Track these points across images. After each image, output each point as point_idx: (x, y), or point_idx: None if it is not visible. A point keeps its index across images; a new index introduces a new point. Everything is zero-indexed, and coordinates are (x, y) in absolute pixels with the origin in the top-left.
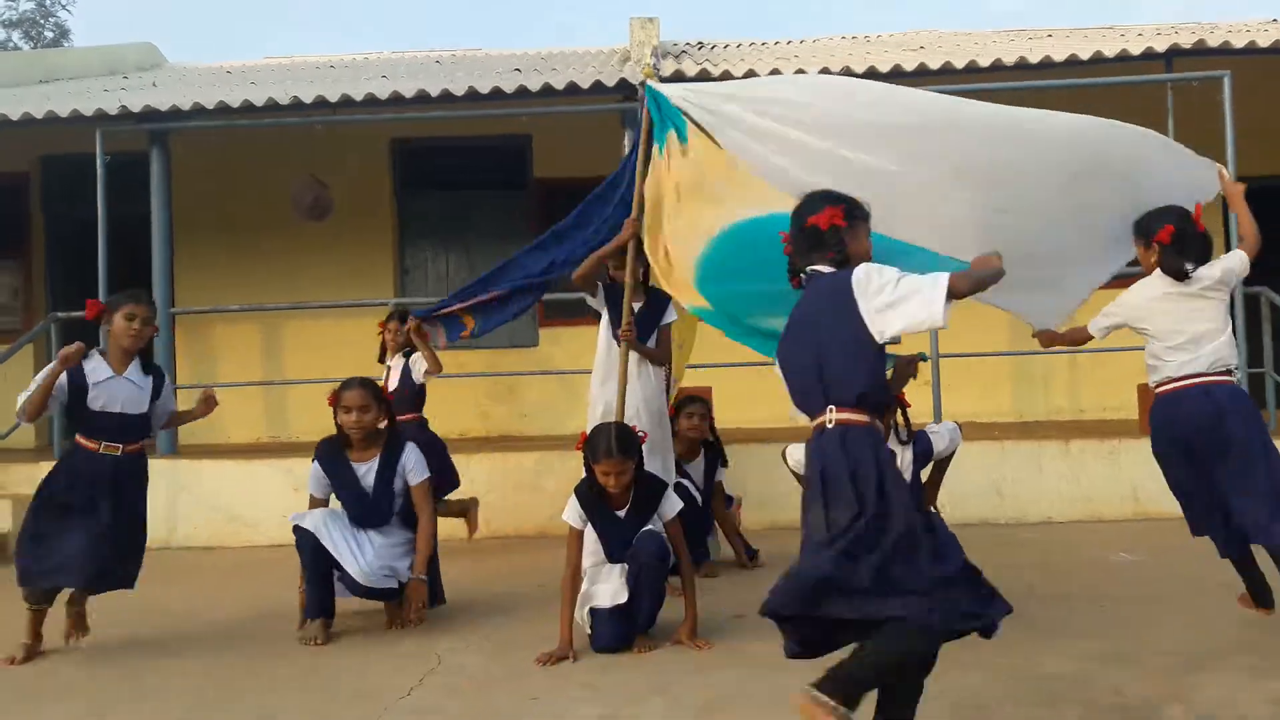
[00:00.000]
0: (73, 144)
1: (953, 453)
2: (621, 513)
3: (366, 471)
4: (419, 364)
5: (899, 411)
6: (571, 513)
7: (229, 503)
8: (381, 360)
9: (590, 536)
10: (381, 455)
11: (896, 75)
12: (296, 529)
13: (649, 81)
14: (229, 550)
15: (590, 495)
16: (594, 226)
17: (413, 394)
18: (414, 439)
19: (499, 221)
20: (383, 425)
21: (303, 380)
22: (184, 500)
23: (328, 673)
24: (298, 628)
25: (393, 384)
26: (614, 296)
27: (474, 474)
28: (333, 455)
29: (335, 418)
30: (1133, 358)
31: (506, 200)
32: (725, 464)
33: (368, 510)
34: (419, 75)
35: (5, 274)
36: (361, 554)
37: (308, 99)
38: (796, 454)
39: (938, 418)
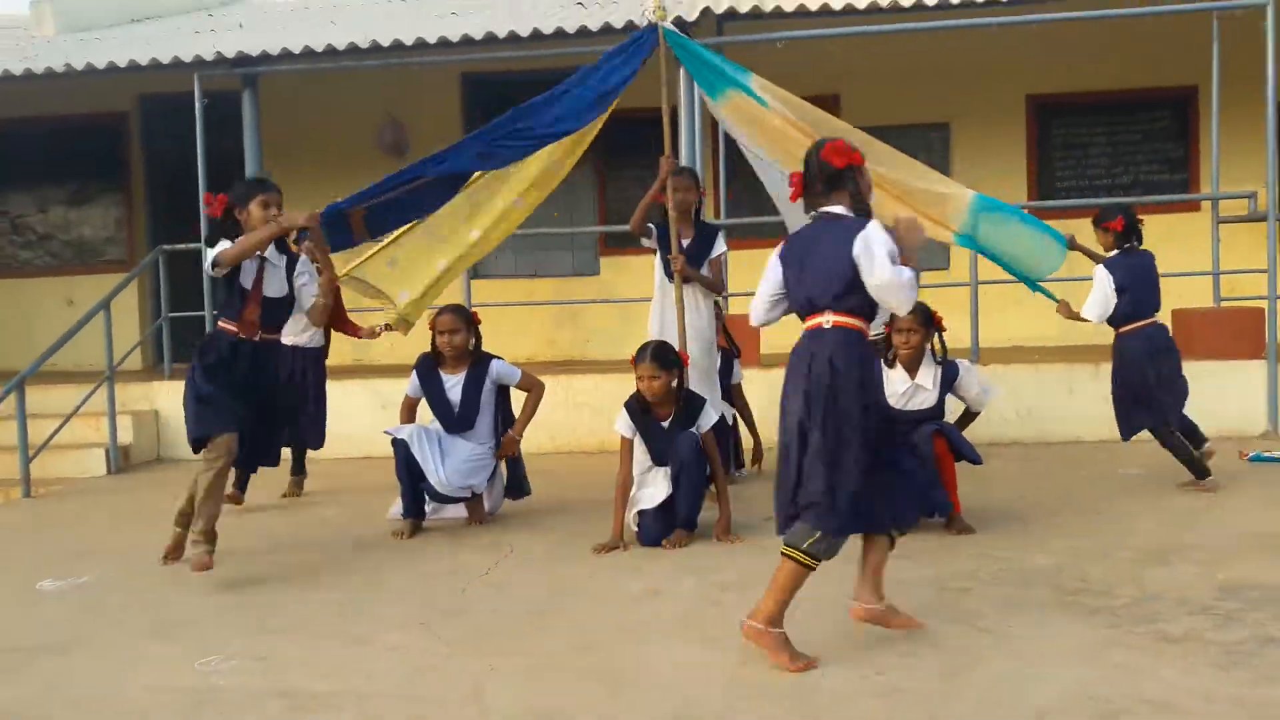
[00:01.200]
0: (169, 84)
1: (980, 409)
2: (665, 424)
3: (454, 385)
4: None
5: (936, 334)
6: (622, 423)
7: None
8: None
9: (639, 446)
10: (468, 371)
11: (942, 9)
12: (394, 440)
13: (662, 25)
14: (323, 460)
15: (638, 408)
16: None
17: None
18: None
19: None
20: (471, 346)
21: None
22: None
23: (422, 556)
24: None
25: None
26: (666, 237)
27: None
28: (427, 369)
29: (432, 339)
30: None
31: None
32: (738, 354)
33: (454, 418)
34: (485, 10)
35: (110, 207)
36: (443, 467)
37: (385, 42)
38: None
39: (976, 343)
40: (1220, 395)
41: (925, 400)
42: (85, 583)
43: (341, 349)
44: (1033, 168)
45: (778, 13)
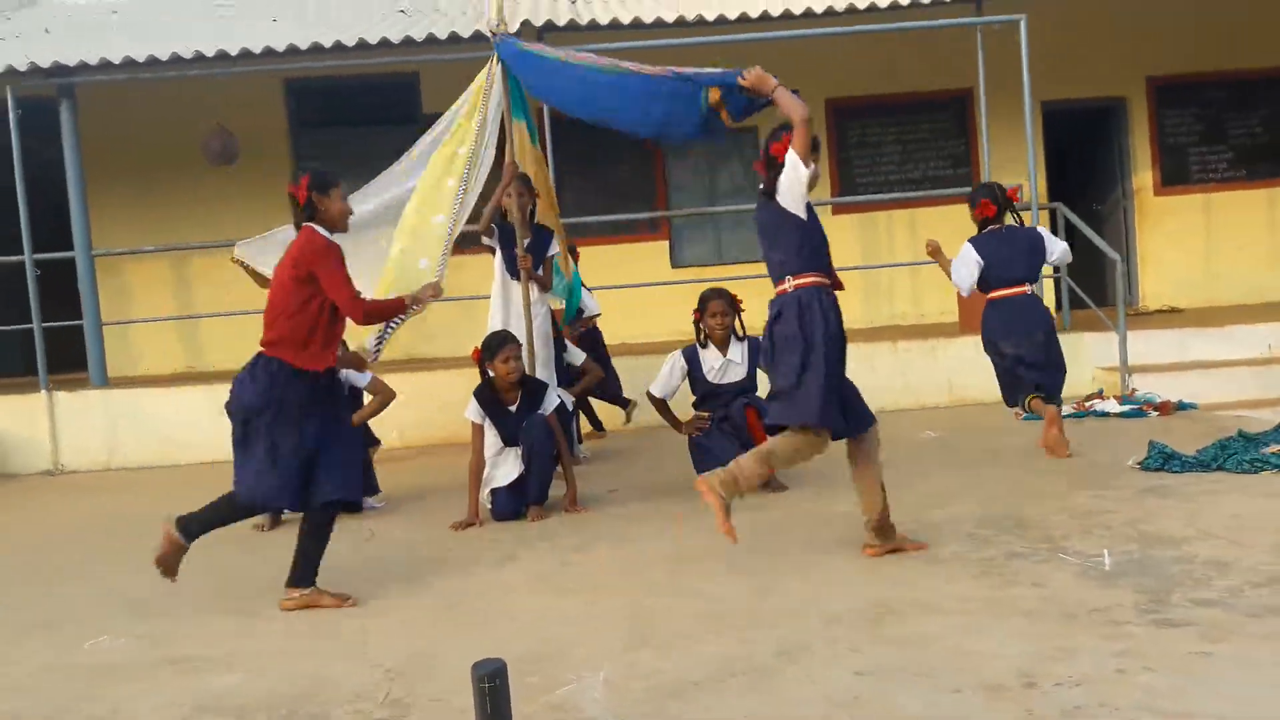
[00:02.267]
0: None
1: None
2: (513, 408)
3: None
4: None
5: (737, 316)
6: (473, 410)
7: (161, 427)
8: None
9: (489, 430)
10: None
11: (743, 21)
12: None
13: (496, 40)
14: (164, 469)
15: (487, 394)
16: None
17: None
18: None
19: (391, 156)
20: None
21: (214, 314)
22: (122, 426)
23: (289, 543)
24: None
25: None
26: (505, 236)
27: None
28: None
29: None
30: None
31: (398, 135)
32: (565, 347)
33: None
34: (306, 16)
35: None
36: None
37: (209, 52)
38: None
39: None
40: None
41: (737, 373)
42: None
43: (174, 358)
44: (834, 165)
45: (593, 25)
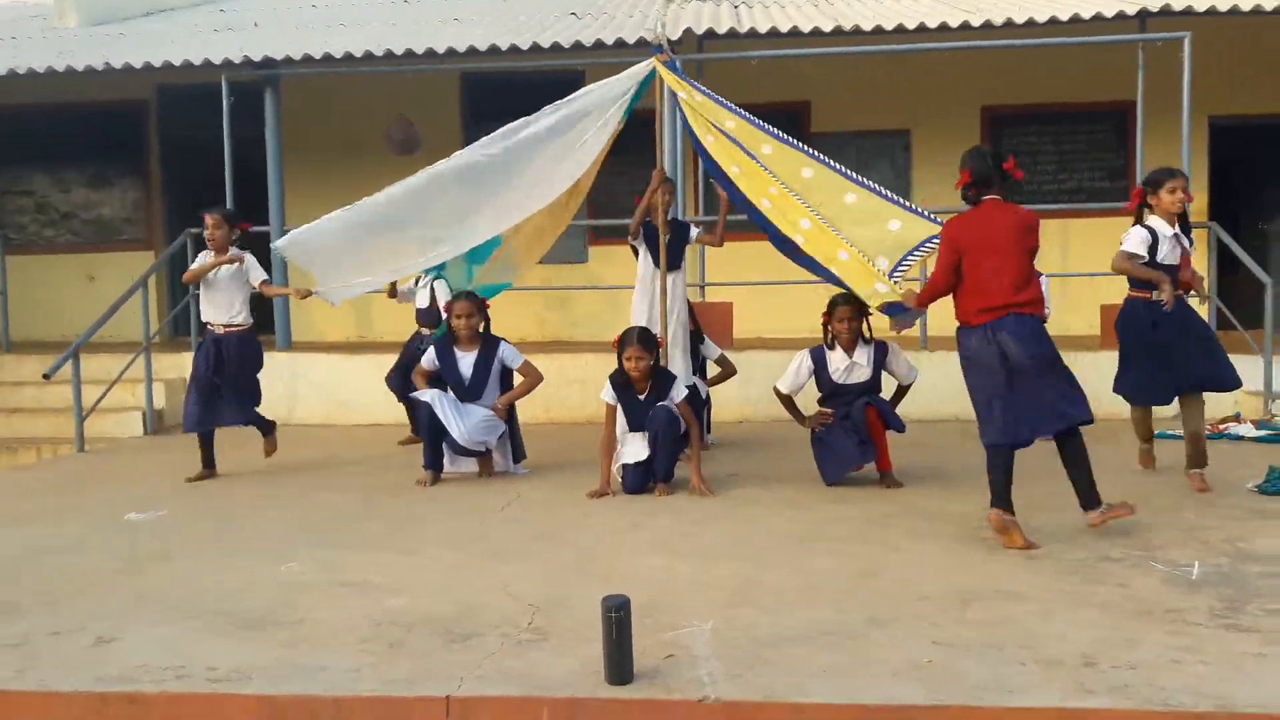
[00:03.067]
0: (185, 75)
1: (908, 384)
2: (642, 397)
3: (466, 362)
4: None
5: (864, 321)
6: (607, 393)
7: (334, 390)
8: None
9: (620, 413)
10: (479, 351)
11: (900, 32)
12: (418, 403)
13: (657, 65)
14: (336, 427)
15: (620, 380)
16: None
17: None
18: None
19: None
20: (481, 328)
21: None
22: (302, 386)
23: (445, 498)
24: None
25: (422, 302)
26: (650, 235)
27: None
28: (444, 347)
29: (448, 321)
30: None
31: None
32: (702, 339)
33: (465, 389)
34: (485, 15)
35: (129, 190)
36: (463, 424)
37: (398, 50)
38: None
39: (924, 333)
40: None
41: (862, 375)
42: (164, 515)
43: (346, 327)
44: None
45: (752, 33)
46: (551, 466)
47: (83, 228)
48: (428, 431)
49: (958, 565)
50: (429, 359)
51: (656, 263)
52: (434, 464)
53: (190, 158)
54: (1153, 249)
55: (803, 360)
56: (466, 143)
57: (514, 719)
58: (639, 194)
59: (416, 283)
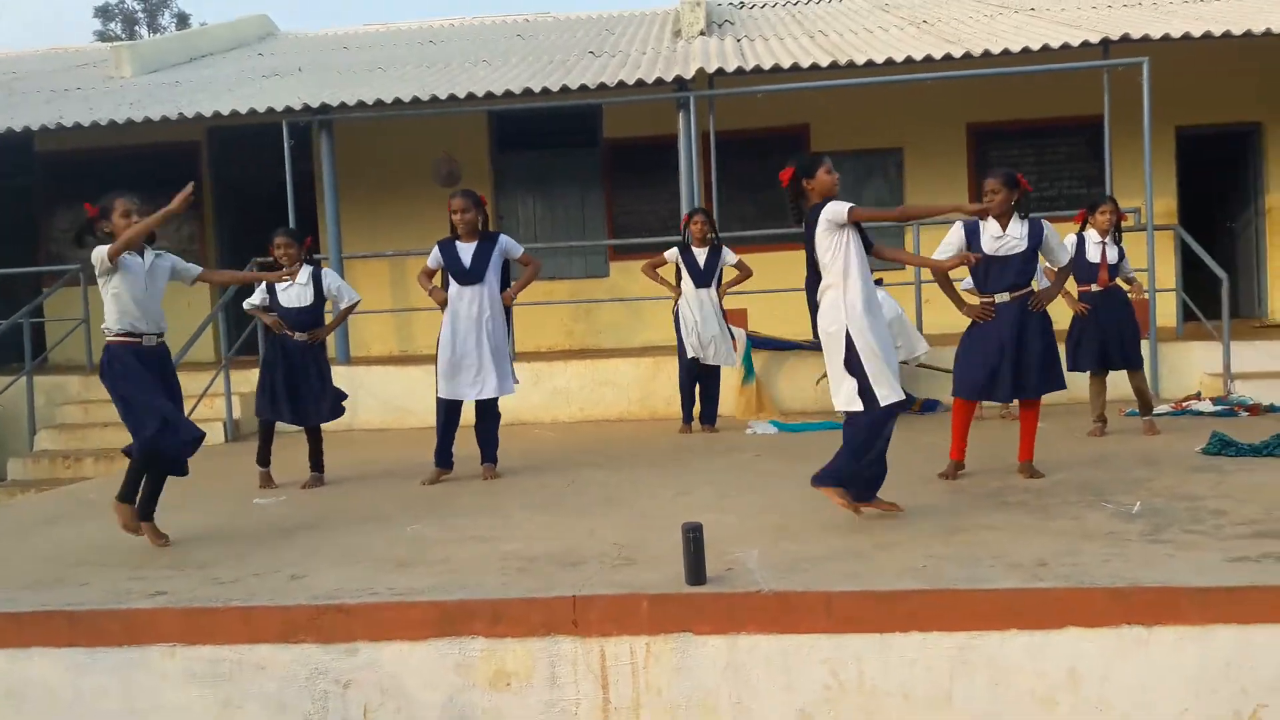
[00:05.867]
0: (235, 119)
1: (1061, 263)
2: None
3: (467, 251)
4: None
5: (1020, 195)
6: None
7: (390, 397)
8: None
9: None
10: (479, 242)
11: (890, 64)
12: (439, 400)
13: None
14: (393, 431)
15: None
16: None
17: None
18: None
19: (575, 174)
20: (480, 223)
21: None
22: (360, 395)
23: (510, 484)
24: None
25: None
26: (687, 256)
27: (567, 377)
28: (446, 243)
29: (450, 219)
30: None
31: (582, 156)
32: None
33: (466, 272)
34: (511, 55)
35: (184, 225)
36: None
37: (442, 95)
38: None
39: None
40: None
41: (1016, 247)
42: (284, 499)
43: (389, 342)
44: (972, 185)
45: (758, 70)
46: (599, 452)
47: None
48: (442, 429)
49: (949, 511)
50: (433, 258)
51: (695, 280)
52: (445, 463)
53: (239, 194)
54: (1080, 251)
55: (956, 229)
56: (495, 170)
57: (623, 608)
58: (655, 216)
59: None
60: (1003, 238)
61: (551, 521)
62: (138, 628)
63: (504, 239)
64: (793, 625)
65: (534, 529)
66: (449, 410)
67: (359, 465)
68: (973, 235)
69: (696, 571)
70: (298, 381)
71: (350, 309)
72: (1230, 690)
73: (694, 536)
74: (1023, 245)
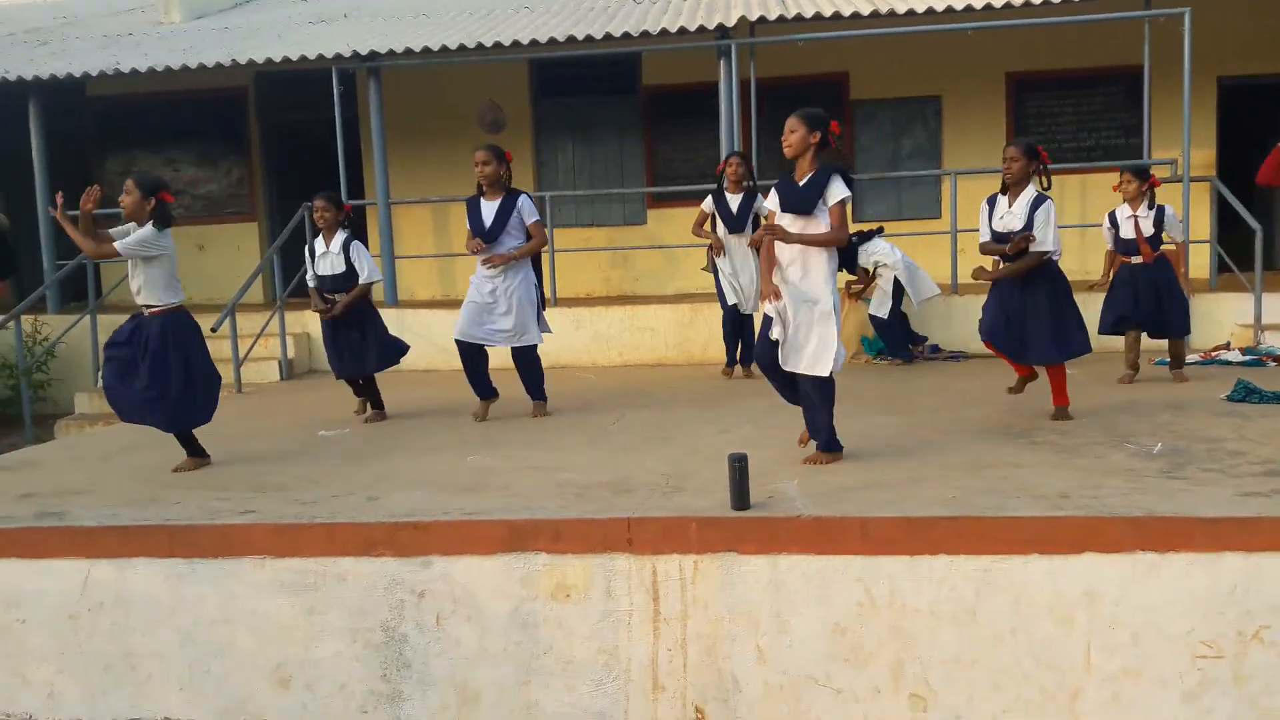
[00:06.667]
0: (283, 65)
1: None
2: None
3: (489, 210)
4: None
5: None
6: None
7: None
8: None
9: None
10: (502, 199)
11: (930, 14)
12: (457, 342)
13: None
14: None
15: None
16: None
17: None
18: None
19: (614, 122)
20: (503, 176)
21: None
22: (407, 337)
23: (559, 421)
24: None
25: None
26: (720, 201)
27: (608, 322)
28: (473, 200)
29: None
30: None
31: (621, 103)
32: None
33: (485, 233)
34: (552, 4)
35: (232, 168)
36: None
37: (488, 43)
38: None
39: (955, 280)
40: None
41: (1014, 224)
42: (347, 432)
43: (432, 286)
44: (1011, 135)
45: (799, 18)
46: (642, 394)
47: (192, 203)
48: (468, 369)
49: (979, 447)
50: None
51: (728, 225)
52: (486, 393)
53: (286, 138)
54: (1114, 227)
55: (982, 208)
56: (537, 115)
57: (673, 530)
58: (693, 164)
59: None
60: (1007, 215)
61: (602, 454)
62: (232, 541)
63: (524, 200)
64: (830, 547)
65: (586, 461)
66: (464, 351)
67: (413, 403)
68: (990, 208)
69: (741, 497)
70: (339, 339)
71: (366, 288)
72: (1235, 612)
73: (740, 465)
74: (1019, 223)
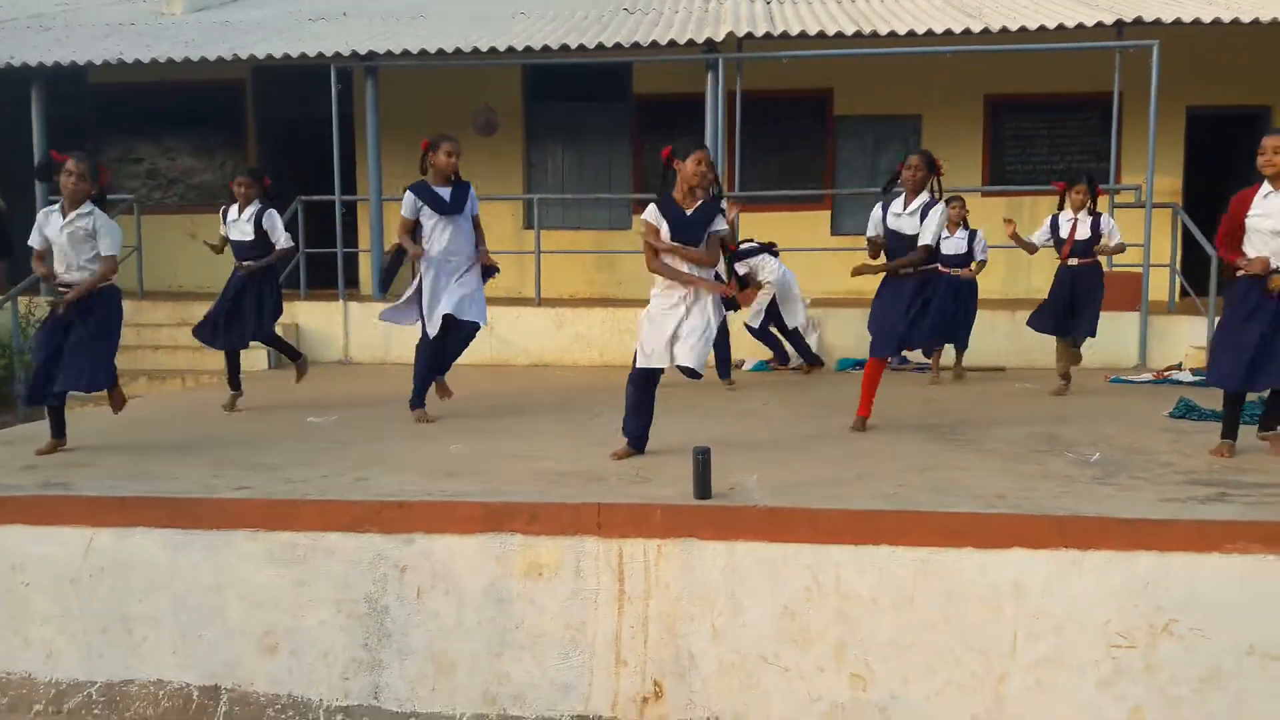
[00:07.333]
0: (281, 59)
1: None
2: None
3: (445, 191)
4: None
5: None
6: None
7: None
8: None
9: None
10: (454, 186)
11: (912, 36)
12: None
13: None
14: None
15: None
16: None
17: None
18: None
19: (604, 128)
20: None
21: None
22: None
23: (539, 417)
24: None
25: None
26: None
27: (589, 323)
28: (422, 187)
29: (423, 164)
30: None
31: (611, 111)
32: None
33: (447, 207)
34: (549, 9)
35: (227, 159)
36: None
37: (483, 48)
38: None
39: None
40: (1105, 337)
41: (910, 227)
42: (335, 419)
43: None
44: (987, 155)
45: (784, 35)
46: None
47: (187, 192)
48: (426, 364)
49: (929, 451)
50: (408, 205)
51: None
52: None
53: (282, 132)
54: (1055, 227)
55: (875, 207)
56: (528, 119)
57: (639, 515)
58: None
59: (228, 218)
60: (901, 216)
61: (578, 447)
62: (227, 514)
63: (471, 191)
64: (782, 535)
65: (562, 452)
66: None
67: (399, 394)
68: (885, 209)
69: (703, 488)
70: (234, 310)
71: (283, 253)
72: (1147, 606)
73: (702, 458)
74: (910, 224)
